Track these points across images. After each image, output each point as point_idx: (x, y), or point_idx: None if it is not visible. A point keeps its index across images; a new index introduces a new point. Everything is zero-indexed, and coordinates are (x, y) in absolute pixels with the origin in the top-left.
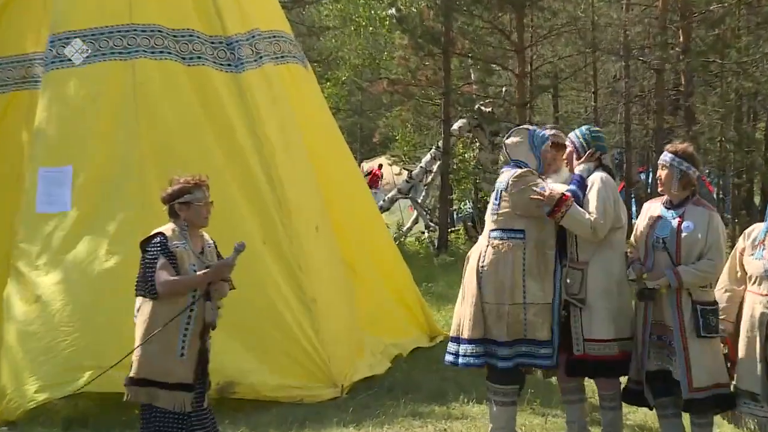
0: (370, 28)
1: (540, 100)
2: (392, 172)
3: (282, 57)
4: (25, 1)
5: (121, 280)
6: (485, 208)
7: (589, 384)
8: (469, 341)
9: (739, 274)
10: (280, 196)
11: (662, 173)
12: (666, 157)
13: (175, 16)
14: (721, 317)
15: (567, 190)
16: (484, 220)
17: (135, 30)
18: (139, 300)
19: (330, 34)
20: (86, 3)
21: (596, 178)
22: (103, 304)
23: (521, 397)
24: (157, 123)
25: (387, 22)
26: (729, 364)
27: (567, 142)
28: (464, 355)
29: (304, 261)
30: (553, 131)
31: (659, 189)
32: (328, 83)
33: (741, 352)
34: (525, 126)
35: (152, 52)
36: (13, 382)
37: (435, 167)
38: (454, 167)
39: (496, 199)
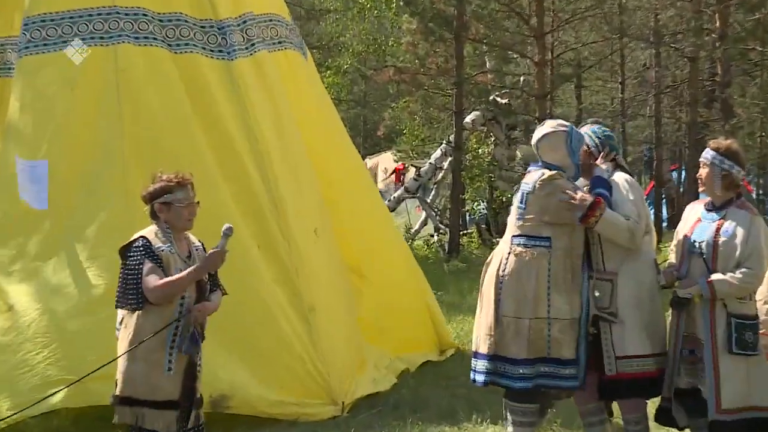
0: (375, 11)
1: (561, 90)
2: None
3: (279, 43)
4: None
5: (102, 288)
6: (500, 208)
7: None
8: (482, 356)
9: None
10: (275, 196)
11: (703, 172)
12: (707, 154)
13: None
14: (760, 331)
15: (595, 193)
16: (498, 222)
17: (117, 13)
18: (121, 312)
19: (331, 17)
20: None
21: (621, 179)
22: (82, 313)
23: (543, 417)
24: (142, 115)
25: (393, 5)
26: None
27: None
28: (474, 370)
29: (301, 267)
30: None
31: (700, 189)
32: (329, 72)
33: None
34: (560, 122)
35: (136, 38)
36: None
37: (446, 164)
38: (467, 164)
39: (521, 202)
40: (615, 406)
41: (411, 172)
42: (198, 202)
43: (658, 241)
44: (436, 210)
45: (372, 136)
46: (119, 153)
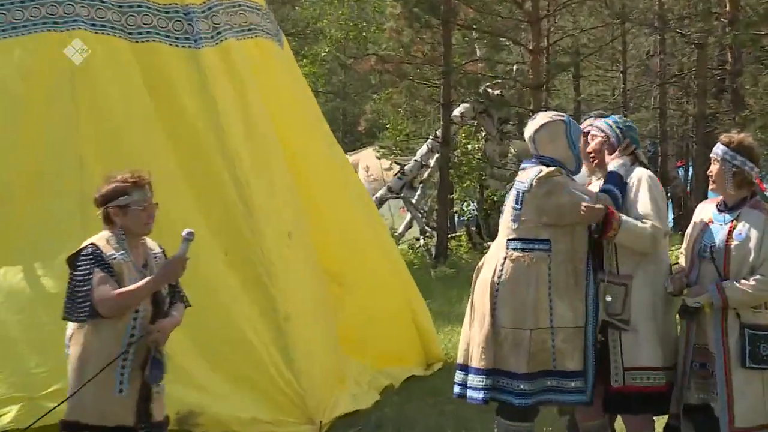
0: None
1: (558, 80)
2: (381, 167)
3: (249, 30)
4: None
5: (56, 300)
6: (492, 209)
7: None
8: (477, 371)
9: None
10: (245, 197)
11: (713, 169)
12: (718, 149)
13: None
14: None
15: (602, 189)
16: (489, 224)
17: None
18: (71, 326)
19: (307, 1)
20: None
21: (642, 175)
22: (34, 327)
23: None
24: (100, 109)
25: None
26: None
27: (595, 131)
28: (470, 387)
29: (275, 273)
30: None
31: (710, 188)
32: (305, 60)
33: None
34: (558, 115)
35: (92, 25)
36: None
37: (432, 161)
38: (455, 161)
39: (516, 202)
40: (618, 424)
41: (395, 170)
42: (157, 204)
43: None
44: (422, 211)
45: (352, 131)
46: (74, 151)
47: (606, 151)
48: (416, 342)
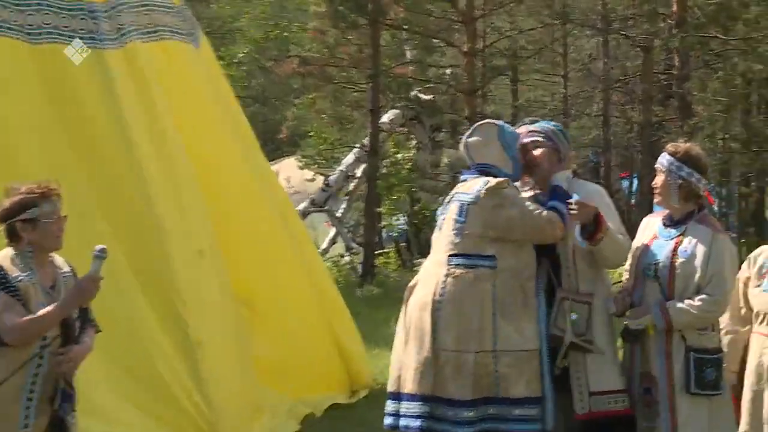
0: None
1: (494, 85)
2: (303, 178)
3: (154, 32)
4: None
5: None
6: (423, 224)
7: None
8: (412, 396)
9: (743, 310)
10: (154, 212)
11: (658, 180)
12: (663, 160)
13: None
14: (725, 366)
15: (549, 206)
16: (420, 240)
17: None
18: None
19: None
20: None
21: (597, 190)
22: None
23: None
24: None
25: None
26: None
27: (540, 138)
28: (405, 415)
29: (187, 294)
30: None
31: (655, 201)
32: (221, 62)
33: (745, 411)
34: (490, 120)
35: None
36: None
37: (359, 172)
38: (384, 171)
39: (460, 215)
40: None
41: (318, 181)
42: (65, 217)
43: None
44: (347, 226)
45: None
46: None
47: (551, 162)
48: (340, 367)
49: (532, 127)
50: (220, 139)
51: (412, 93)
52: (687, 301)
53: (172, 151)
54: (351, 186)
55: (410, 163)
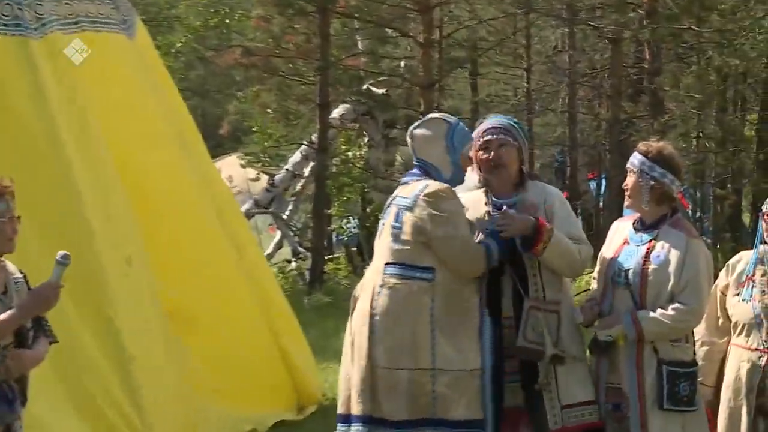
0: None
1: (453, 78)
2: (246, 177)
3: (75, 23)
4: None
5: None
6: (375, 226)
7: None
8: (357, 418)
9: (720, 321)
10: (81, 217)
11: (629, 181)
12: (635, 159)
13: None
14: (699, 381)
15: (483, 242)
16: (372, 244)
17: None
18: None
19: None
20: None
21: (557, 194)
22: None
23: None
24: None
25: None
26: None
27: (503, 135)
28: None
29: (118, 305)
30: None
31: (625, 204)
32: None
33: (721, 428)
34: (443, 116)
35: None
36: None
37: (307, 170)
38: (334, 170)
39: (396, 221)
40: None
41: (263, 181)
42: (19, 217)
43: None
44: (294, 229)
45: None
46: None
47: (515, 162)
48: (286, 381)
49: (493, 123)
50: (152, 135)
51: (364, 86)
52: (660, 311)
53: (97, 151)
54: (298, 186)
55: (362, 162)
